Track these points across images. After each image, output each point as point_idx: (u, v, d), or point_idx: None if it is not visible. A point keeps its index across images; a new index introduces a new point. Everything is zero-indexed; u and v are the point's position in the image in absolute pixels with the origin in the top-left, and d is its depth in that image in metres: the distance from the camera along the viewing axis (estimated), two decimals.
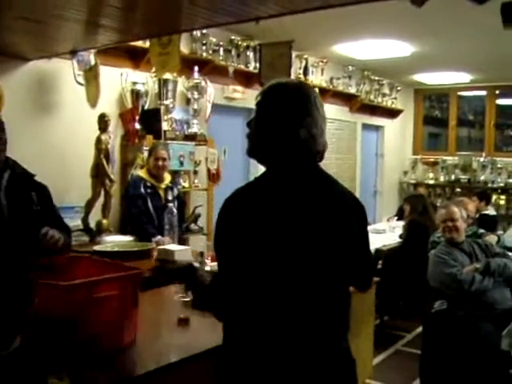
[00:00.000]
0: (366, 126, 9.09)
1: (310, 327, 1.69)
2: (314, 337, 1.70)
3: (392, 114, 9.64)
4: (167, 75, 5.06)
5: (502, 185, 9.30)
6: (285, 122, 1.72)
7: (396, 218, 7.68)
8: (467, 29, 5.69)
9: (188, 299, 2.72)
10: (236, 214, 1.71)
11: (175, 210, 4.22)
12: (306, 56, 7.01)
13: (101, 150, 4.46)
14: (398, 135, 10.10)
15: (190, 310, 2.57)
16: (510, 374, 3.93)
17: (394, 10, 4.63)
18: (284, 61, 3.90)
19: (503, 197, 9.25)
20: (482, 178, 9.47)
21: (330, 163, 7.92)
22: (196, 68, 5.48)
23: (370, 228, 6.94)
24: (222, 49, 5.91)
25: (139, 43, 4.83)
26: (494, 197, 9.07)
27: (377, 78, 8.81)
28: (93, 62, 4.56)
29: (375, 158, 9.74)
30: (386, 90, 9.25)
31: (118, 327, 2.17)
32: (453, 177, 9.74)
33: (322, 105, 1.78)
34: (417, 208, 6.10)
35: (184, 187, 5.42)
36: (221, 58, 5.89)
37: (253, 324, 1.69)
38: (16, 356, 1.95)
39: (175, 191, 4.81)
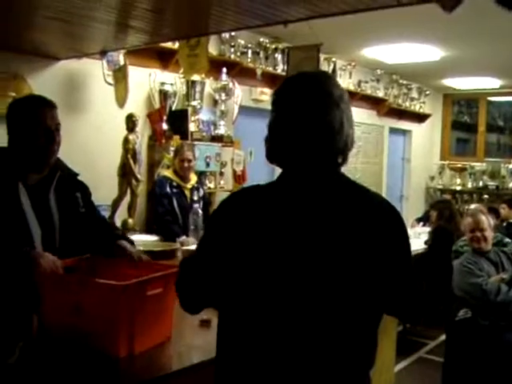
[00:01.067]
0: (393, 130, 9.03)
1: (320, 364, 1.43)
2: (325, 376, 1.44)
3: (420, 118, 9.56)
4: (195, 76, 5.09)
5: None
6: (298, 118, 1.50)
7: (422, 223, 7.60)
8: (497, 33, 5.62)
9: None
10: (233, 217, 1.54)
11: (200, 211, 4.25)
12: (334, 59, 6.98)
13: (128, 150, 4.51)
14: (425, 140, 10.01)
15: (212, 312, 2.58)
16: None
17: (423, 15, 4.59)
18: (311, 64, 3.89)
19: None
20: (511, 185, 9.33)
21: (355, 167, 7.90)
22: (224, 70, 5.51)
23: None
24: (250, 51, 5.92)
25: (168, 44, 4.87)
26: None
27: (405, 82, 8.74)
28: (122, 63, 4.62)
29: (402, 163, 9.66)
30: (415, 95, 9.18)
31: (164, 323, 2.21)
32: (480, 183, 9.61)
33: (342, 98, 1.53)
34: (444, 214, 6.04)
35: (210, 188, 5.44)
36: (249, 59, 5.90)
37: (251, 352, 1.50)
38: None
39: (201, 192, 4.83)
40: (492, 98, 10.02)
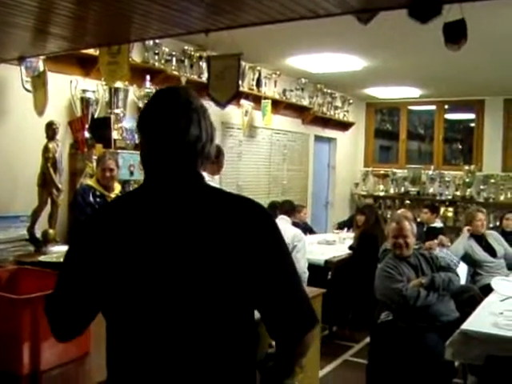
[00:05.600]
0: (318, 138, 9.19)
1: (196, 365, 1.40)
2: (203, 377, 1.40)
3: (344, 126, 9.78)
4: (118, 84, 5.02)
5: (449, 197, 9.51)
6: (153, 128, 1.50)
7: (346, 228, 7.76)
8: (417, 45, 5.82)
9: None
10: (96, 229, 1.50)
11: None
12: (258, 68, 7.06)
13: (48, 159, 4.38)
14: (349, 147, 10.24)
15: None
16: (453, 383, 4.03)
17: (345, 26, 4.66)
18: (232, 73, 3.91)
19: (451, 209, 9.47)
20: (431, 190, 9.68)
21: (281, 174, 7.99)
22: (148, 77, 5.46)
23: (320, 239, 7.05)
24: (174, 59, 5.90)
25: (90, 51, 4.77)
26: (442, 209, 9.29)
27: (329, 91, 8.93)
28: (41, 69, 4.49)
29: (327, 170, 9.85)
30: (339, 103, 9.38)
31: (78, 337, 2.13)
32: (402, 189, 9.92)
33: (198, 109, 1.50)
34: (370, 219, 6.19)
35: None
36: (173, 67, 5.87)
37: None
38: None
39: None
40: (412, 107, 10.37)
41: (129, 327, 1.44)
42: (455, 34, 2.34)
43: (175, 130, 1.46)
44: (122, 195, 1.57)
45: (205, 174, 5.07)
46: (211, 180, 5.57)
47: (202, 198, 1.47)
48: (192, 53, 6.11)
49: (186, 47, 6.03)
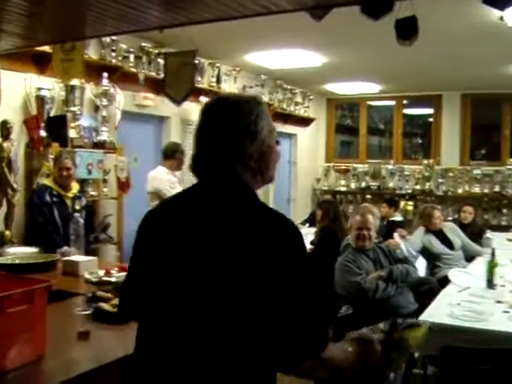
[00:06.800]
0: (279, 134, 9.11)
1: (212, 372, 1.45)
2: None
3: (305, 122, 9.81)
4: (74, 81, 4.94)
5: (409, 191, 9.64)
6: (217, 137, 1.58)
7: (307, 224, 7.80)
8: (375, 41, 5.86)
9: (88, 312, 2.65)
10: (151, 226, 1.63)
11: (81, 220, 4.13)
12: (218, 64, 7.04)
13: (2, 159, 4.30)
14: (310, 143, 10.29)
15: (91, 323, 2.52)
16: (414, 373, 4.08)
17: (303, 22, 4.69)
18: (188, 70, 3.91)
19: (411, 203, 9.59)
20: (391, 184, 9.80)
21: None
22: (105, 74, 5.39)
23: None
24: (132, 55, 5.83)
25: (45, 48, 4.68)
26: (402, 203, 9.42)
27: (289, 87, 8.96)
28: None
29: (288, 166, 9.88)
30: (299, 99, 9.42)
31: (33, 341, 2.10)
32: (363, 184, 10.02)
33: (259, 121, 1.58)
34: (329, 214, 6.22)
35: (93, 196, 5.30)
36: (131, 64, 5.81)
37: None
38: None
39: (83, 201, 4.71)
40: (372, 103, 10.48)
41: (155, 321, 1.54)
42: (407, 30, 2.37)
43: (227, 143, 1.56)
44: (180, 193, 1.69)
45: (164, 169, 5.08)
46: (172, 175, 5.56)
47: (244, 211, 1.53)
48: (150, 49, 6.04)
49: (143, 44, 5.96)
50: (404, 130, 10.23)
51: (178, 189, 5.51)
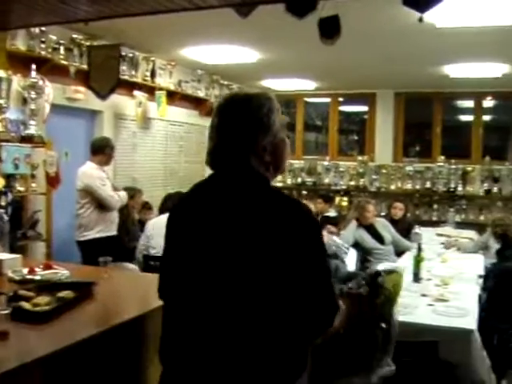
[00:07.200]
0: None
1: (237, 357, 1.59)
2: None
3: None
4: (0, 73, 4.78)
5: (344, 187, 9.81)
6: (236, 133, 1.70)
7: None
8: (308, 38, 5.84)
9: (6, 312, 2.57)
10: (180, 215, 1.77)
11: (6, 217, 3.99)
12: (153, 58, 6.95)
13: None
14: None
15: (9, 323, 2.45)
16: None
17: (238, 17, 4.70)
18: (113, 63, 3.84)
19: (345, 199, 9.76)
20: (326, 180, 9.94)
21: (178, 166, 7.93)
22: (33, 66, 5.22)
23: None
24: (62, 47, 5.68)
25: None
26: (337, 199, 9.58)
27: (226, 83, 8.94)
28: None
29: None
30: None
31: None
32: (299, 180, 10.12)
33: (271, 114, 1.71)
34: None
35: (20, 191, 5.14)
36: (61, 56, 5.65)
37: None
38: None
39: (9, 196, 4.57)
40: (308, 99, 10.59)
41: (187, 303, 1.66)
42: (329, 29, 2.39)
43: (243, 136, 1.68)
44: (200, 183, 1.78)
45: (93, 165, 4.98)
46: (101, 170, 5.45)
47: (261, 198, 1.64)
48: (82, 41, 5.89)
49: (74, 36, 5.80)
50: (340, 126, 10.40)
51: (108, 185, 5.43)
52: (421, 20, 2.34)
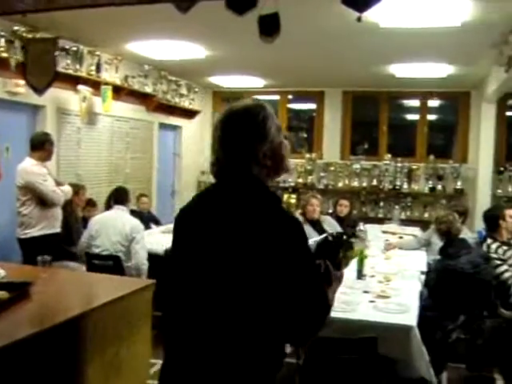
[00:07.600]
0: (163, 126, 9.08)
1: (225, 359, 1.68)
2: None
3: (190, 114, 9.75)
4: None
5: (292, 184, 9.86)
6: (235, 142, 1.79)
7: None
8: (255, 35, 5.91)
9: None
10: (184, 223, 1.87)
11: None
12: (98, 52, 6.82)
13: None
14: (196, 135, 10.25)
15: None
16: (286, 363, 4.16)
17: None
18: (49, 57, 3.74)
19: (294, 196, 9.82)
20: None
21: (124, 163, 7.81)
22: None
23: (163, 228, 6.98)
24: (3, 39, 5.51)
25: None
26: (285, 196, 9.62)
27: (174, 79, 8.86)
28: None
29: (173, 158, 9.79)
30: (184, 91, 9.33)
31: None
32: None
33: (267, 122, 1.80)
34: None
35: None
36: (2, 49, 5.49)
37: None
38: None
39: None
40: (257, 97, 10.54)
41: (185, 308, 1.77)
42: (269, 26, 2.39)
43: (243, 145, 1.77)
44: (203, 192, 1.93)
45: (33, 161, 4.87)
46: (42, 166, 5.32)
47: (255, 209, 1.73)
48: (24, 34, 5.73)
49: (16, 28, 5.63)
50: (289, 124, 10.43)
51: (50, 180, 5.30)
52: (359, 20, 2.36)
